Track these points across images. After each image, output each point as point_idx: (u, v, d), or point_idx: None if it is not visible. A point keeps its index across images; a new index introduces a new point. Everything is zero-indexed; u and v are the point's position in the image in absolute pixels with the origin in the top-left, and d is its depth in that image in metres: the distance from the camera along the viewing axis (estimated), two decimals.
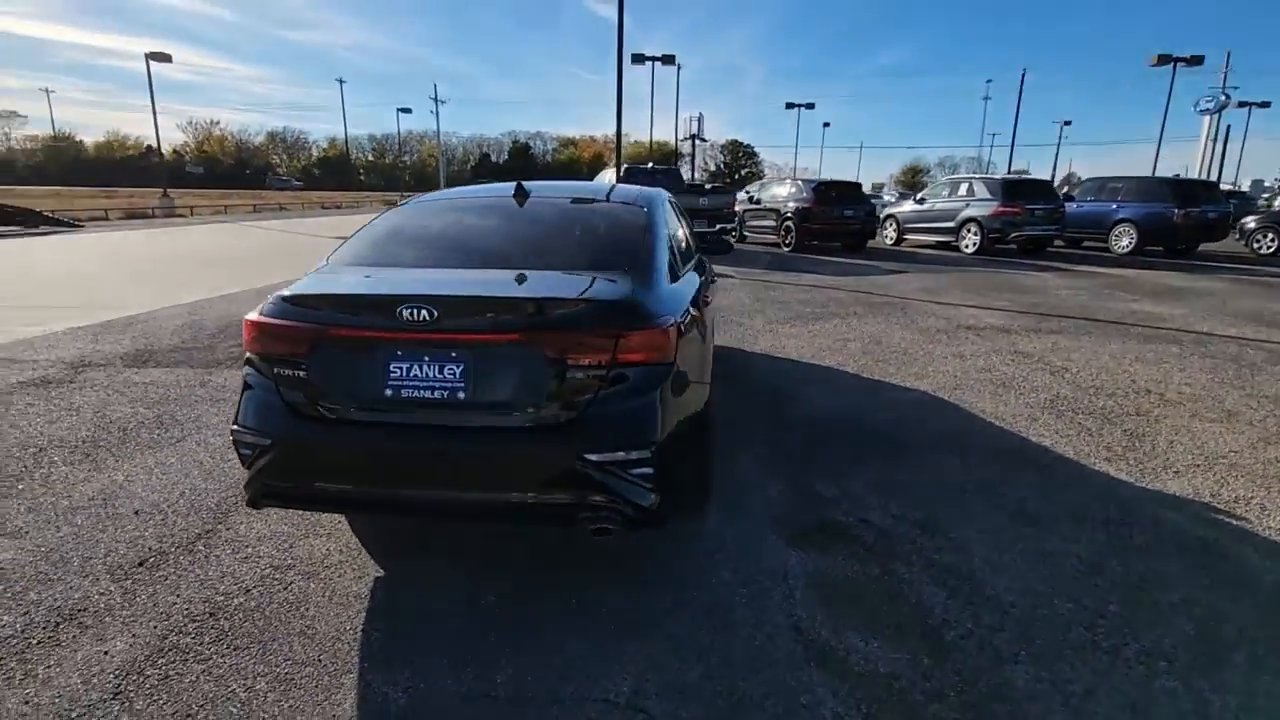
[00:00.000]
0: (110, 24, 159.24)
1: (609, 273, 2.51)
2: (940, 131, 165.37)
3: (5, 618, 2.32)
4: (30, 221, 20.01)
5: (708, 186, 15.53)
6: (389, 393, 2.22)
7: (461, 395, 2.20)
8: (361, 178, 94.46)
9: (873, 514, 3.10)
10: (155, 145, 38.99)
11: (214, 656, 2.15)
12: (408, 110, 69.81)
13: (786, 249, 15.67)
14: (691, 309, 2.91)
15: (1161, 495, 3.32)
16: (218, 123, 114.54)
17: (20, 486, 3.30)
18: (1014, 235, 14.57)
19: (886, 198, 24.70)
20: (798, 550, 2.80)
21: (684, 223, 4.33)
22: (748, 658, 2.17)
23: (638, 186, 3.68)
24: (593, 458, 2.18)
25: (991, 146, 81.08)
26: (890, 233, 17.71)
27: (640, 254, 2.69)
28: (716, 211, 14.38)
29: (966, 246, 15.15)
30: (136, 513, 3.07)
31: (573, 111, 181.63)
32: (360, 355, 2.24)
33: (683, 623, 2.33)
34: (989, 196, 14.75)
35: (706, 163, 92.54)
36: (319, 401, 2.28)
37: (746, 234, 17.61)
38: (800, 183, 15.96)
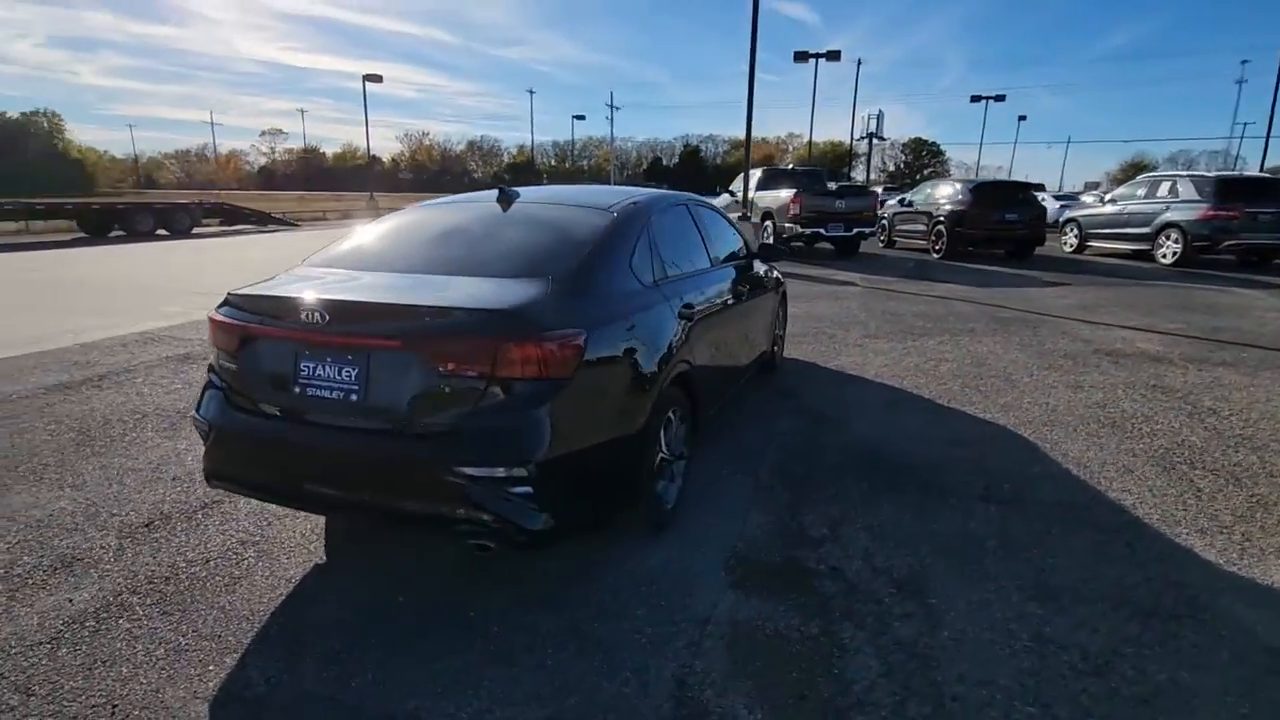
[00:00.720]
0: (359, 52, 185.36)
1: (533, 280, 2.43)
2: (1173, 122, 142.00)
3: (25, 558, 2.75)
4: (261, 221, 23.76)
5: (835, 186, 14.58)
6: (297, 390, 2.31)
7: (354, 398, 2.24)
8: (544, 181, 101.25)
9: (852, 563, 2.72)
10: (375, 155, 44.53)
11: (144, 618, 2.38)
12: (581, 118, 74.50)
13: (936, 255, 14.31)
14: (666, 322, 2.75)
15: (1253, 586, 2.57)
16: (427, 134, 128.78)
17: (109, 447, 3.90)
18: (1228, 244, 12.12)
19: (1087, 199, 21.44)
20: (740, 593, 2.52)
21: (718, 232, 4.10)
22: (607, 705, 1.99)
23: (642, 191, 3.53)
24: (467, 471, 2.12)
25: (1242, 138, 68.17)
26: (1070, 239, 15.54)
27: (574, 262, 2.56)
28: (855, 215, 13.50)
29: (1163, 256, 12.86)
30: (174, 479, 3.49)
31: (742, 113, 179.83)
32: (276, 354, 2.37)
33: (565, 656, 2.19)
34: (1196, 197, 12.39)
35: (885, 163, 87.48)
36: (246, 395, 2.44)
37: (896, 239, 16.36)
38: (959, 183, 14.48)
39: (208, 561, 2.73)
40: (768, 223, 14.06)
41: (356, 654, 2.20)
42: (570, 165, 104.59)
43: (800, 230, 13.22)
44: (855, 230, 13.56)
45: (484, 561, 2.74)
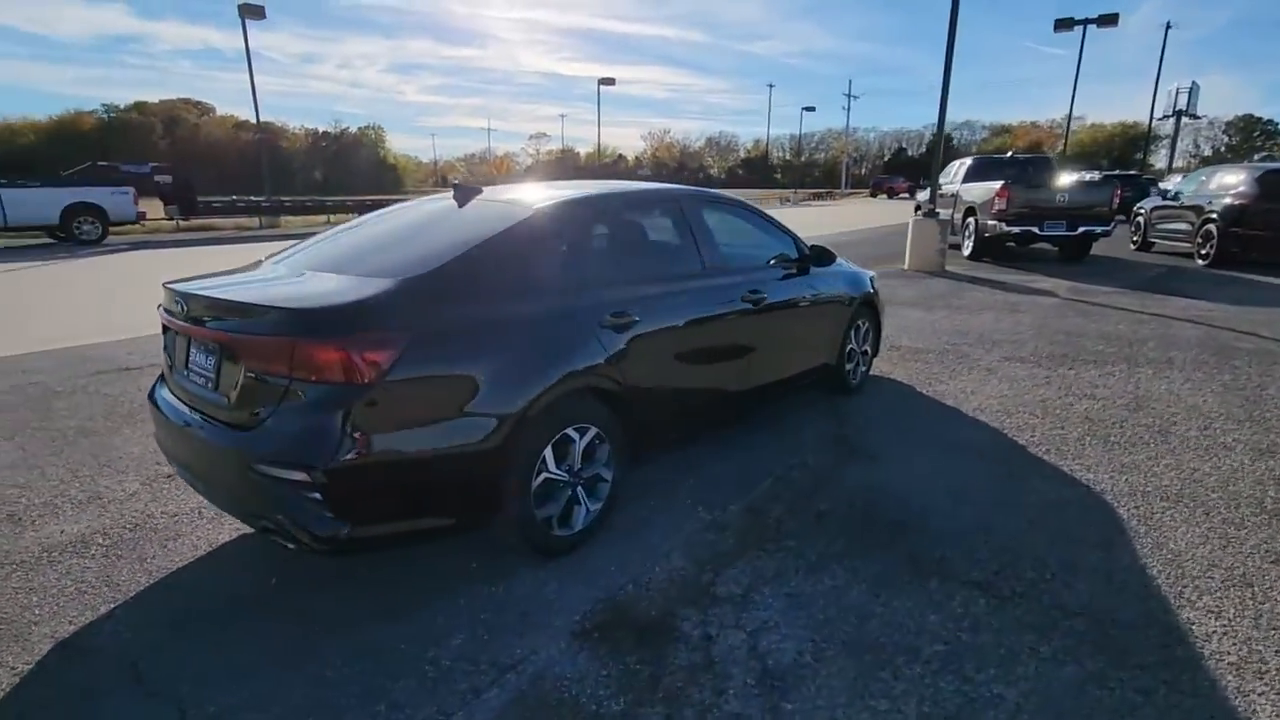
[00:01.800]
0: (619, 58, 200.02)
1: (382, 280, 2.35)
2: None
3: (71, 490, 3.36)
4: None
5: (1096, 177, 12.07)
6: (184, 374, 2.51)
7: (210, 387, 2.37)
8: (777, 176, 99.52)
9: (733, 635, 2.24)
10: (620, 154, 47.67)
11: (66, 561, 2.72)
12: (811, 109, 72.21)
13: (1201, 262, 11.32)
14: (568, 333, 2.53)
15: None
16: (668, 132, 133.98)
17: None
18: None
19: None
20: (575, 644, 2.21)
21: (725, 236, 3.64)
22: None
23: (602, 187, 3.24)
24: (262, 469, 2.12)
25: None
26: None
27: (436, 263, 2.42)
28: (1082, 210, 11.21)
29: None
30: None
31: (1019, 94, 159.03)
32: (176, 342, 2.59)
33: (347, 672, 2.10)
34: None
35: (1198, 146, 71.66)
36: (166, 376, 2.71)
37: (1153, 240, 13.27)
38: (1243, 171, 11.24)
39: (148, 521, 3.06)
40: (970, 220, 12.25)
41: (196, 624, 2.33)
42: (805, 158, 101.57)
43: (1007, 229, 11.32)
44: (1082, 229, 11.26)
45: (370, 563, 2.74)
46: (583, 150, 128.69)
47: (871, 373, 5.05)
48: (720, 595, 2.47)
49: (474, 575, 2.58)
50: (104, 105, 76.14)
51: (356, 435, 2.10)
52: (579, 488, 2.73)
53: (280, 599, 2.48)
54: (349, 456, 2.09)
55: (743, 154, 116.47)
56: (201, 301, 2.40)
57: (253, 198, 23.14)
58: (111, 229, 17.27)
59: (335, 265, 2.68)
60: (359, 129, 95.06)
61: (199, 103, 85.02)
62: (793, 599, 2.43)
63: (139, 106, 76.91)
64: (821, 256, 4.17)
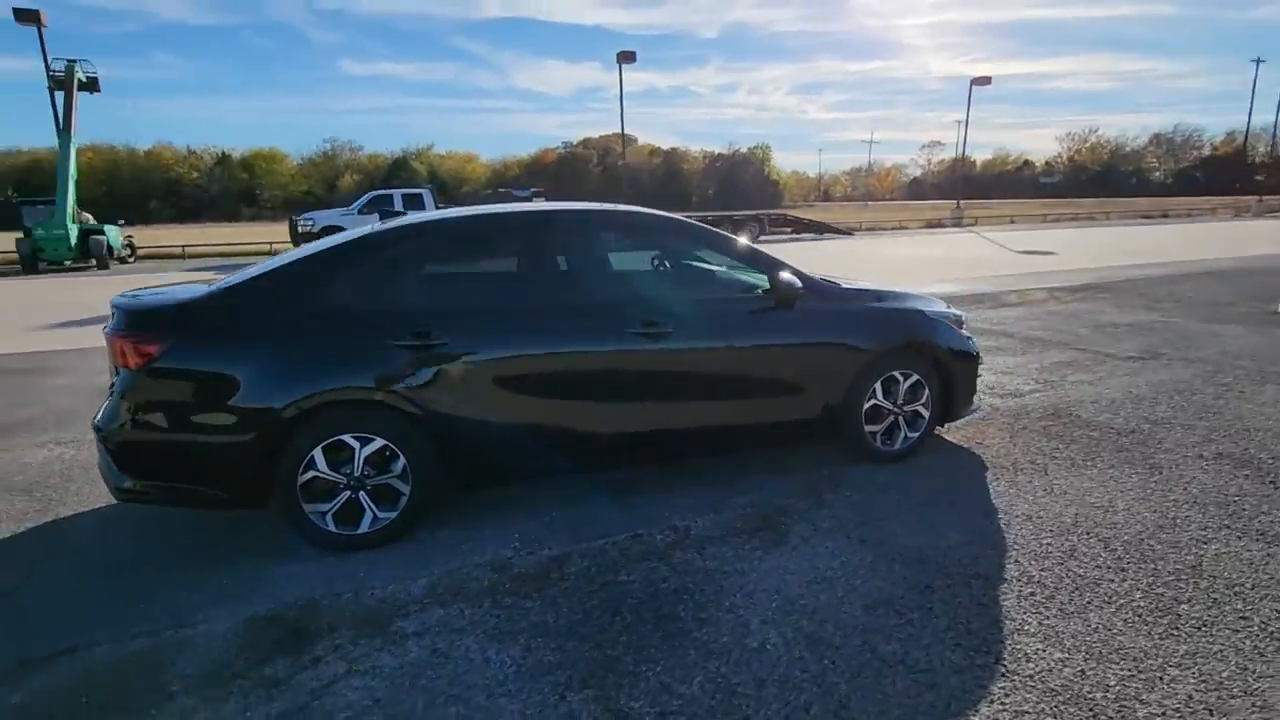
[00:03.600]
0: (1038, 50, 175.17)
1: (201, 292, 2.92)
2: None
3: None
4: (819, 230, 26.68)
5: None
6: None
7: None
8: (1260, 178, 74.49)
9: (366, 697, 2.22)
10: (1027, 160, 42.35)
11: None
12: None
13: None
14: (347, 349, 2.83)
15: None
16: (1095, 130, 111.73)
17: None
18: None
19: None
20: (222, 620, 2.44)
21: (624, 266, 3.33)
22: None
23: (448, 214, 3.27)
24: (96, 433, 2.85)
25: None
26: None
27: (244, 276, 2.87)
28: None
29: None
30: None
31: None
32: None
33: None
34: None
35: None
36: None
37: None
38: None
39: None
40: None
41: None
42: None
43: None
44: None
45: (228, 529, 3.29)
46: (980, 158, 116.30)
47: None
48: (371, 634, 2.41)
49: (272, 557, 2.95)
50: (563, 143, 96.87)
51: (129, 412, 2.69)
52: (362, 493, 2.90)
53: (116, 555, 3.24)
54: (124, 427, 2.70)
55: (1208, 150, 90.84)
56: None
57: None
58: None
59: (224, 279, 3.14)
60: (748, 149, 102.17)
61: (627, 135, 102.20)
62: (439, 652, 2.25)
63: (584, 142, 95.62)
64: (789, 291, 3.40)
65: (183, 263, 22.39)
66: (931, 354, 3.72)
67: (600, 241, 3.34)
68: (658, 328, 3.19)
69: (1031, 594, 2.47)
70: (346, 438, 2.83)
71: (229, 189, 76.31)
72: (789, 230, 26.86)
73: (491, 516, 3.21)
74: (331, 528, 2.88)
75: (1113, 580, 2.55)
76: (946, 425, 4.02)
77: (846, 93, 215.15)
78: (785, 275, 3.40)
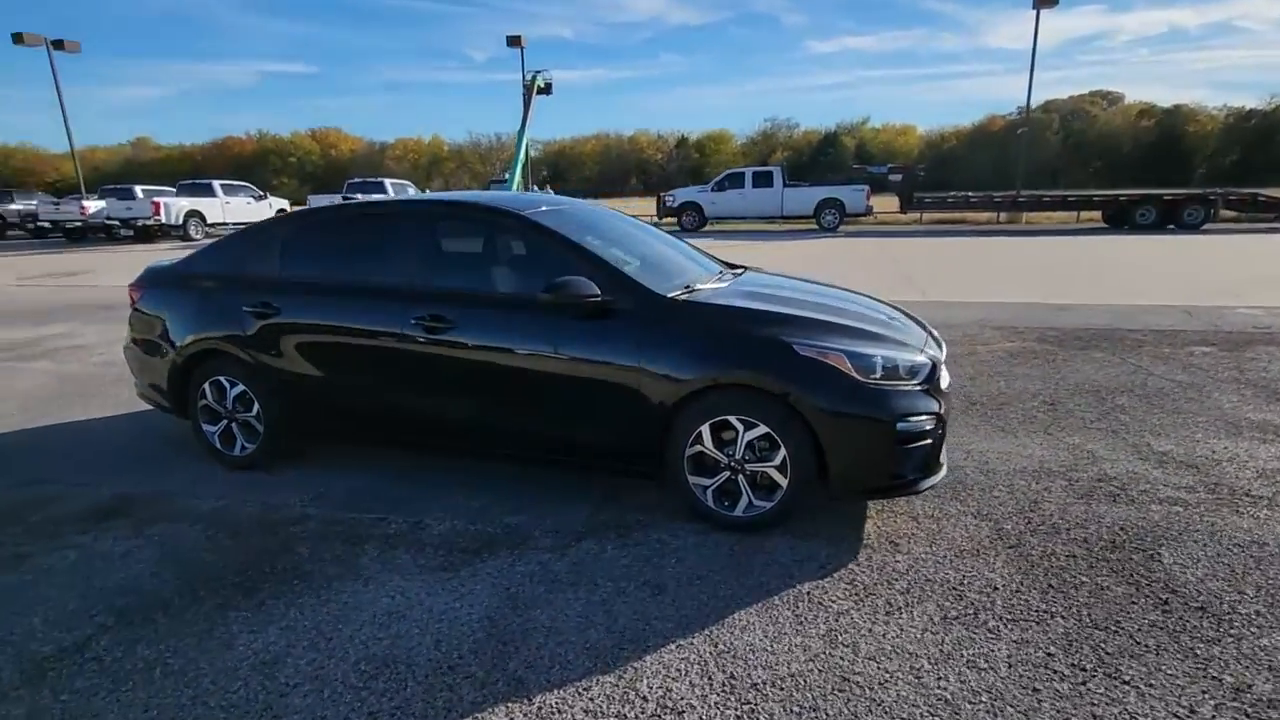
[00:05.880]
0: None
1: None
2: None
3: None
4: None
5: None
6: None
7: None
8: None
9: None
10: None
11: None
12: None
13: None
14: (217, 308, 3.69)
15: None
16: None
17: None
18: None
19: None
20: None
21: (456, 258, 3.42)
22: None
23: (351, 203, 3.54)
24: None
25: None
26: None
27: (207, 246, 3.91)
28: None
29: None
30: None
31: None
32: None
33: None
34: None
35: None
36: None
37: None
38: None
39: None
40: None
41: None
42: None
43: None
44: None
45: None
46: None
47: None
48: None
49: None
50: (1016, 108, 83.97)
51: (129, 332, 4.01)
52: (232, 423, 3.75)
53: None
54: (126, 345, 4.04)
55: None
56: None
57: (995, 194, 22.93)
58: (846, 219, 21.18)
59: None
60: None
61: (1107, 93, 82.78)
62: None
63: (1045, 105, 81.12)
64: (564, 297, 2.94)
65: None
66: (790, 403, 2.77)
67: (423, 231, 3.43)
68: (440, 322, 3.20)
69: None
70: (221, 379, 3.70)
71: (682, 167, 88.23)
72: (1272, 215, 18.78)
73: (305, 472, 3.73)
74: (215, 445, 3.80)
75: None
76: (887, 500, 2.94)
77: None
78: (574, 279, 2.96)
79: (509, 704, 2.00)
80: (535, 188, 28.37)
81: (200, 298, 3.78)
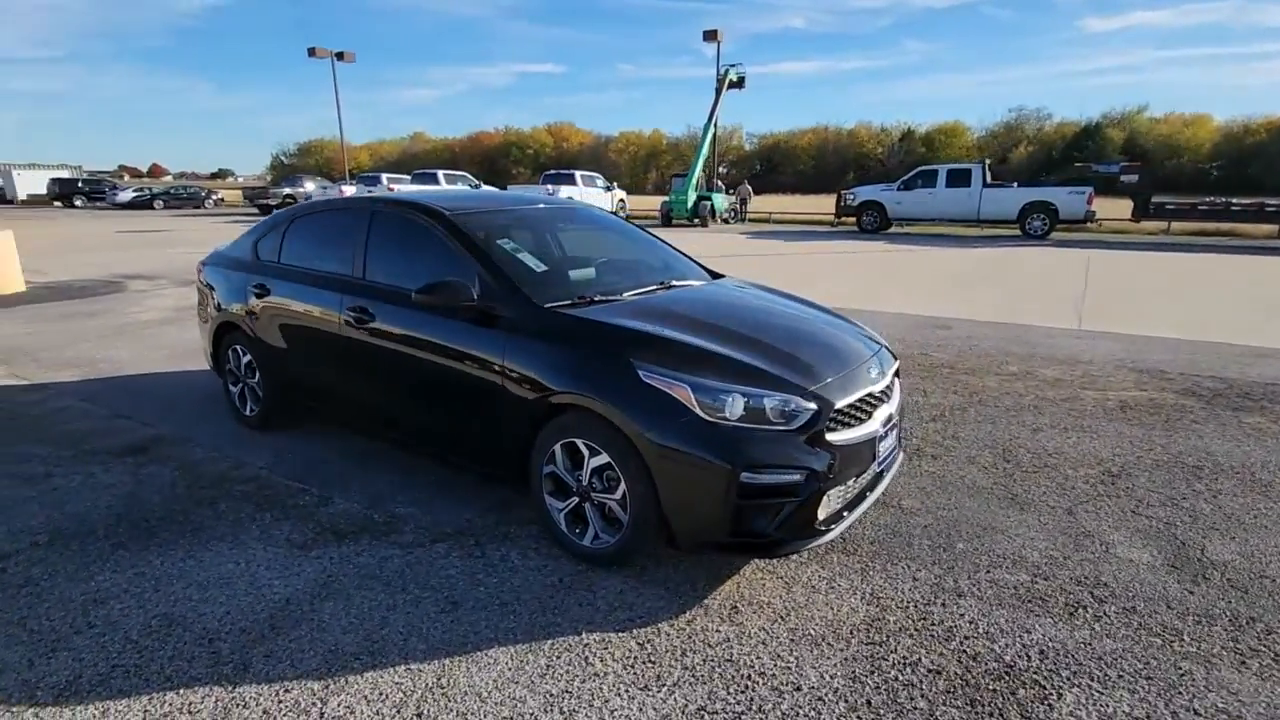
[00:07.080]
0: None
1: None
2: None
3: None
4: None
5: None
6: None
7: None
8: None
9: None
10: None
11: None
12: None
13: None
14: (232, 287, 4.31)
15: None
16: None
17: None
18: None
19: None
20: None
21: (415, 255, 3.56)
22: None
23: (333, 199, 3.85)
24: None
25: None
26: None
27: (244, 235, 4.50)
28: None
29: None
30: None
31: None
32: None
33: None
34: None
35: None
36: None
37: None
38: None
39: None
40: None
41: None
42: None
43: None
44: None
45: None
46: None
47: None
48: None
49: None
50: None
51: (199, 303, 4.76)
52: (245, 386, 4.31)
53: None
54: (199, 314, 4.79)
55: None
56: None
57: (1270, 201, 17.92)
58: (1060, 226, 18.20)
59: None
60: None
61: None
62: None
63: None
64: (430, 297, 2.96)
65: (764, 225, 26.41)
66: (618, 430, 2.54)
67: (383, 229, 3.60)
68: (362, 314, 3.38)
69: None
70: (237, 347, 4.28)
71: (904, 162, 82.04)
72: None
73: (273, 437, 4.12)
74: (236, 404, 4.40)
75: None
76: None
77: None
78: (451, 282, 2.96)
79: (215, 687, 2.09)
80: (719, 185, 28.15)
81: (229, 277, 4.38)
